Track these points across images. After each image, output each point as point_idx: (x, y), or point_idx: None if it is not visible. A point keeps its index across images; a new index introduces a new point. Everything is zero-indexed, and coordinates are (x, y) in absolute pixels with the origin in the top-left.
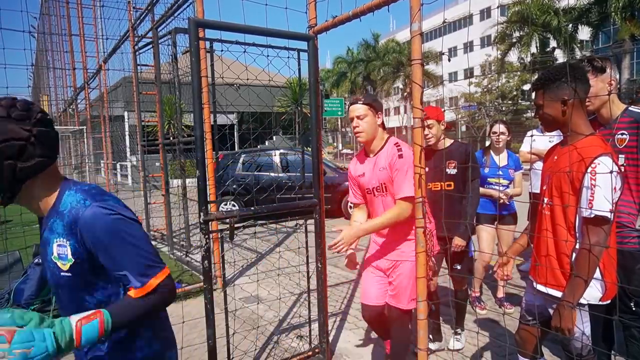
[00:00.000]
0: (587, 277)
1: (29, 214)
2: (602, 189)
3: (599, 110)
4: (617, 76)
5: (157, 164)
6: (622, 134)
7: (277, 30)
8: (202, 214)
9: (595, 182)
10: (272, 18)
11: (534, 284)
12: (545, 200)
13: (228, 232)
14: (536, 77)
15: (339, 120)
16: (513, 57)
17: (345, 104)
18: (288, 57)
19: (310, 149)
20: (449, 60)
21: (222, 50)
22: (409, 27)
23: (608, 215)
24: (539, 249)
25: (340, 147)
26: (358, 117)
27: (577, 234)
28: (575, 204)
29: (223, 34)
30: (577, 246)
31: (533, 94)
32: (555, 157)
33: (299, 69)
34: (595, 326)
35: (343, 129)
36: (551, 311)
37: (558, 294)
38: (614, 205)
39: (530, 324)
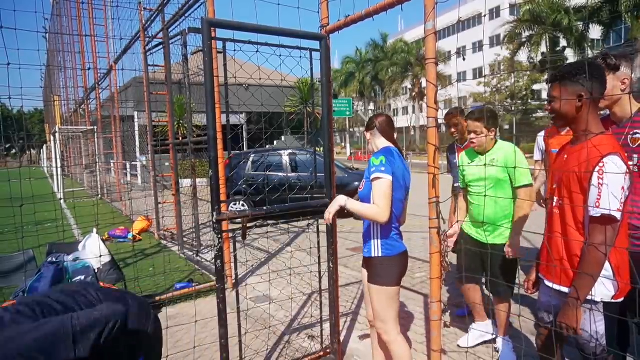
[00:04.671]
0: (593, 275)
1: (42, 212)
2: (610, 187)
3: (611, 108)
4: (632, 74)
5: (167, 164)
6: (635, 134)
7: (290, 30)
8: (214, 213)
9: (602, 180)
10: (282, 18)
11: (550, 283)
12: (555, 199)
13: (240, 231)
14: (556, 69)
15: (347, 121)
16: (523, 56)
17: (353, 104)
18: (300, 57)
19: (319, 149)
20: (464, 59)
21: (234, 50)
22: (417, 27)
23: (615, 214)
24: (552, 248)
25: (348, 148)
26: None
27: (586, 233)
28: (584, 203)
29: (235, 34)
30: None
31: (549, 86)
32: (566, 156)
33: (311, 69)
34: (609, 325)
35: (351, 129)
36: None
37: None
38: (622, 204)
39: (550, 327)
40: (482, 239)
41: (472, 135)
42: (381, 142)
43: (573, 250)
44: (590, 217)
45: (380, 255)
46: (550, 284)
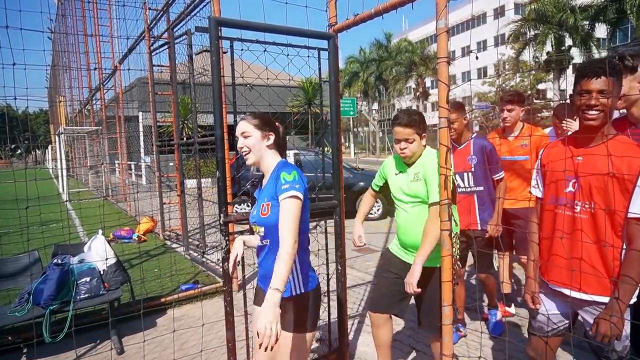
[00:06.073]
0: (638, 277)
1: (48, 214)
2: None
3: (629, 109)
4: None
5: (172, 164)
6: None
7: (298, 29)
8: (222, 215)
9: None
10: (289, 17)
11: (577, 294)
12: (580, 203)
13: (248, 233)
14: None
15: (351, 121)
16: (528, 56)
17: (357, 104)
18: (308, 57)
19: (325, 150)
20: (477, 58)
21: (242, 50)
22: (421, 26)
23: None
24: (579, 255)
25: (352, 147)
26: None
27: (624, 236)
28: (625, 204)
29: (242, 34)
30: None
31: (584, 80)
32: (580, 158)
33: (319, 68)
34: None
35: (355, 129)
36: (587, 317)
37: (605, 299)
38: None
39: (551, 335)
40: (410, 260)
41: (403, 144)
42: (276, 157)
43: (610, 256)
44: (635, 219)
45: (303, 291)
46: (577, 295)
